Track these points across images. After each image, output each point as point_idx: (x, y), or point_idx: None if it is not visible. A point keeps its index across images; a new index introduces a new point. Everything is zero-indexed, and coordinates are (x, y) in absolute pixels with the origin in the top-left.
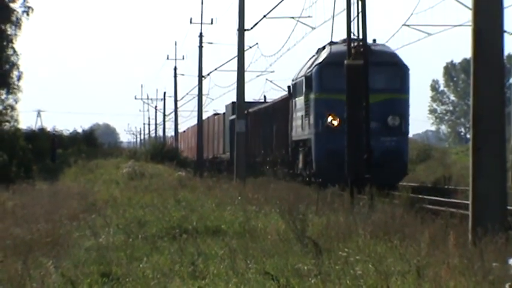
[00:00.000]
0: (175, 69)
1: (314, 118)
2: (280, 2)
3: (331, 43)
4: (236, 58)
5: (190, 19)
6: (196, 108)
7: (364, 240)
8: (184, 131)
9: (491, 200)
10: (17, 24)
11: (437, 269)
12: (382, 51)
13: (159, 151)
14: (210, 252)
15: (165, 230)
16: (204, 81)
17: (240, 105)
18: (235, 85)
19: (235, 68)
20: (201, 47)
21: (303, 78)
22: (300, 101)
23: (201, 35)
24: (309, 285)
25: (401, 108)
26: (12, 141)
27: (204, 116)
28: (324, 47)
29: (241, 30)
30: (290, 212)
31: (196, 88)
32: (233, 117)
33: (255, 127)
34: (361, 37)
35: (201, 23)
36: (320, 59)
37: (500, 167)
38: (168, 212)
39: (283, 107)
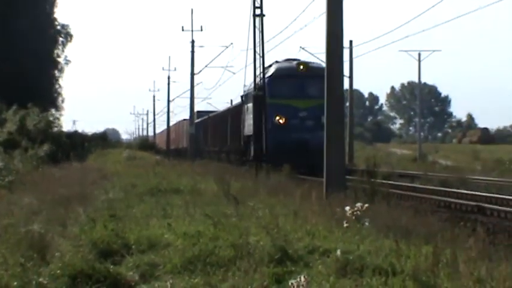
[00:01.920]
0: (153, 97)
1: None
2: (215, 58)
3: (276, 62)
4: (189, 91)
5: (163, 67)
6: (166, 119)
7: (263, 196)
8: (160, 132)
9: (336, 173)
10: (61, 70)
11: (305, 212)
12: (317, 67)
13: (144, 144)
14: (173, 202)
15: (148, 190)
16: (171, 104)
17: (191, 118)
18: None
19: (189, 96)
20: (168, 84)
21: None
22: (251, 105)
23: (168, 78)
24: (231, 221)
25: None
26: (58, 139)
27: (171, 123)
28: (270, 65)
29: (192, 74)
30: (220, 180)
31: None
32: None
33: (215, 126)
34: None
35: (169, 70)
36: (269, 73)
37: (340, 154)
38: (149, 179)
39: (235, 112)
